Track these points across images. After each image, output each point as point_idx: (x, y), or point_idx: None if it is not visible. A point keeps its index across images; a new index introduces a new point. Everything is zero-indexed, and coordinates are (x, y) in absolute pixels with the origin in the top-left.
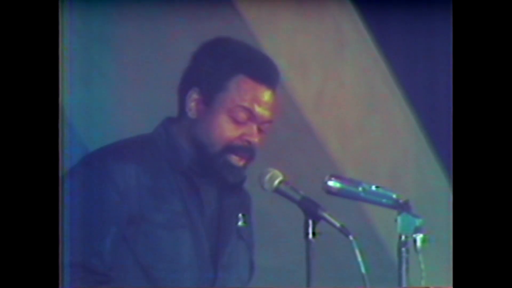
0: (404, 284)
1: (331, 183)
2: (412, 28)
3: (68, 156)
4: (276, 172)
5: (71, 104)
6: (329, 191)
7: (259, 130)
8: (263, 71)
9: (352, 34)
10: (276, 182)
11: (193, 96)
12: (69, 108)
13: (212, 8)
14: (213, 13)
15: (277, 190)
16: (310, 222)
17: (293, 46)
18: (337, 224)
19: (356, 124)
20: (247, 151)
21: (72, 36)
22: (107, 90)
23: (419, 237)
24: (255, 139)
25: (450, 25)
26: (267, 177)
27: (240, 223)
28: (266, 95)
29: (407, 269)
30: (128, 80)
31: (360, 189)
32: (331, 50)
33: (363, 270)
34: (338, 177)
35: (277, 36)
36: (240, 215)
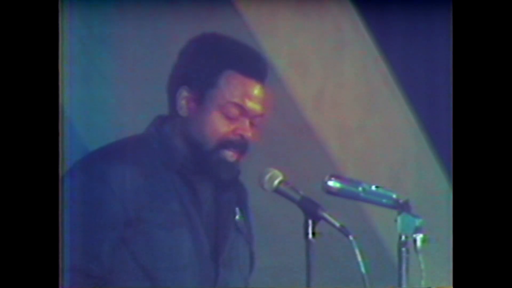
0: (404, 284)
1: (331, 183)
2: (412, 28)
3: (68, 156)
4: (276, 172)
5: (71, 103)
6: (329, 191)
7: (251, 125)
8: (252, 66)
9: (352, 34)
10: (276, 182)
11: (183, 94)
12: (69, 107)
13: (212, 8)
14: (213, 13)
15: (277, 190)
16: (310, 222)
17: (293, 46)
18: (337, 224)
19: (356, 124)
20: (240, 145)
21: (72, 36)
22: (107, 90)
23: (419, 237)
24: (248, 134)
25: (450, 25)
26: (267, 177)
27: (237, 217)
28: (256, 89)
29: (407, 269)
30: (128, 80)
31: (360, 189)
32: (331, 50)
33: (363, 270)
34: (338, 177)
35: (277, 36)
36: (237, 209)
